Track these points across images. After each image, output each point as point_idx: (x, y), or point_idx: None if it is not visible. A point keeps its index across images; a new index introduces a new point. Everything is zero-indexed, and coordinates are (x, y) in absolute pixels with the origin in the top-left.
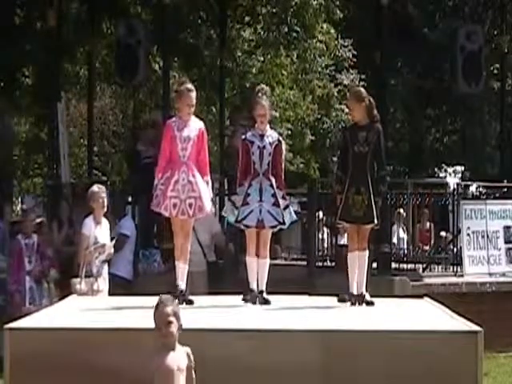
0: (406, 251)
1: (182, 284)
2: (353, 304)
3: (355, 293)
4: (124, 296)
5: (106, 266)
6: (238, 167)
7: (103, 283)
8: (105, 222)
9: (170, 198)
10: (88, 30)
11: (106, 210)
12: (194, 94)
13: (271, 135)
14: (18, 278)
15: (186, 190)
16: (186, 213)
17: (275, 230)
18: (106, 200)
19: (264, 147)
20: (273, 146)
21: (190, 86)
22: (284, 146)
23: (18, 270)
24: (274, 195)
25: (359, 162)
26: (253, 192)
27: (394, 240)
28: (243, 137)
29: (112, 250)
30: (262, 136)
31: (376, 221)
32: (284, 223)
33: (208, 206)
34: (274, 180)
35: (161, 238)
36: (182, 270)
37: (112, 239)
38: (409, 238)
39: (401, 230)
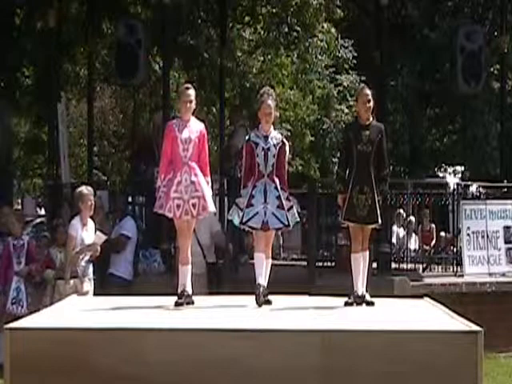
0: (405, 251)
1: (188, 287)
2: (354, 304)
3: (360, 294)
4: (124, 296)
5: (91, 267)
6: (242, 169)
7: (88, 284)
8: (91, 224)
9: (174, 198)
10: (88, 30)
11: (92, 212)
12: (191, 92)
13: (275, 136)
14: (5, 279)
15: (189, 191)
16: (189, 213)
17: (280, 231)
18: (93, 203)
19: (268, 149)
20: (277, 148)
21: (188, 85)
22: (288, 147)
23: (5, 270)
24: (278, 197)
25: (363, 161)
26: (257, 193)
27: (394, 240)
28: (247, 138)
29: (98, 249)
30: (266, 137)
31: (379, 221)
32: (289, 225)
33: (211, 205)
34: (278, 181)
35: (161, 238)
36: (187, 273)
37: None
38: (409, 237)
39: (401, 230)
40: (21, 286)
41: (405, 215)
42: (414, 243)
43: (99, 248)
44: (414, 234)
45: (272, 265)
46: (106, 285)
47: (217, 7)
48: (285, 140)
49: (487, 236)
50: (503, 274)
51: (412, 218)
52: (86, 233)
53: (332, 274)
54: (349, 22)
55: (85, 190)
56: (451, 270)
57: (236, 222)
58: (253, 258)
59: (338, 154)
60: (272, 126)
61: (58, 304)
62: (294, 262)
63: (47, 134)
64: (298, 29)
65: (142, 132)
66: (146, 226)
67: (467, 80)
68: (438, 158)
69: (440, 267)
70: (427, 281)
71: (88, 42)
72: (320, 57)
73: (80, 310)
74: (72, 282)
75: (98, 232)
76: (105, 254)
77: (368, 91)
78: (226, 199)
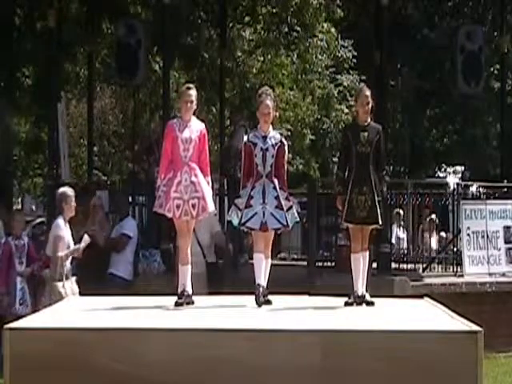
0: (405, 251)
1: (188, 287)
2: (354, 304)
3: (360, 294)
4: (124, 296)
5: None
6: (241, 169)
7: (75, 285)
8: (67, 226)
9: (174, 198)
10: (88, 30)
11: (74, 213)
12: (192, 92)
13: (274, 136)
14: (7, 279)
15: (189, 191)
16: (189, 213)
17: (279, 231)
18: (75, 205)
19: (267, 149)
20: (275, 148)
21: (189, 84)
22: (287, 147)
23: (7, 271)
24: (277, 198)
25: (362, 162)
26: (256, 194)
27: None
28: (245, 138)
29: (81, 252)
30: (264, 137)
31: (380, 221)
32: (287, 225)
33: (211, 205)
34: (277, 182)
35: (161, 238)
36: (187, 273)
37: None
38: (409, 237)
39: (400, 230)
40: (25, 287)
41: (430, 214)
42: (434, 243)
43: (81, 251)
44: (435, 234)
45: (272, 265)
46: (106, 285)
47: (217, 7)
48: (283, 140)
49: (487, 236)
50: (503, 274)
51: (434, 217)
52: (68, 233)
53: (332, 274)
54: (349, 22)
55: (68, 191)
56: (451, 269)
57: (235, 222)
58: (252, 258)
59: (338, 155)
60: (271, 126)
61: (58, 304)
62: (294, 262)
63: (47, 134)
64: (298, 29)
65: (144, 131)
66: (146, 226)
67: (467, 80)
68: (438, 157)
69: (440, 267)
70: (427, 281)
71: (88, 42)
72: (320, 57)
73: (80, 309)
74: (69, 282)
75: (85, 235)
76: (105, 254)
77: (367, 92)
78: (226, 199)
